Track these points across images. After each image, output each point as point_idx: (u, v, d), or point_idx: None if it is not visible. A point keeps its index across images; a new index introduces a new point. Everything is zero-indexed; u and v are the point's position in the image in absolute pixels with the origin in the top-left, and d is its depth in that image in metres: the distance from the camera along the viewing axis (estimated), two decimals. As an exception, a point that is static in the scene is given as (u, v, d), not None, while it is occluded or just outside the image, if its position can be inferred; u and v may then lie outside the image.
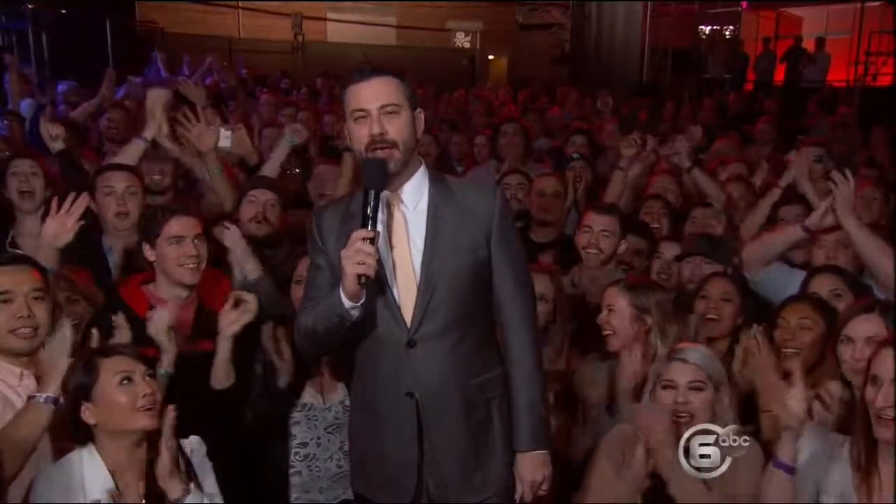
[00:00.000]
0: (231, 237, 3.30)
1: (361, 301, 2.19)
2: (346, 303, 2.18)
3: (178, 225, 2.86)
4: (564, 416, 3.10)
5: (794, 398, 2.36)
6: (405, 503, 2.38)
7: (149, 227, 2.92)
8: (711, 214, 4.27)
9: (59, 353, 2.36)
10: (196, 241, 2.87)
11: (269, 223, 3.70)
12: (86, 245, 3.47)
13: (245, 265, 3.28)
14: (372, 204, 2.16)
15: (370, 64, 2.36)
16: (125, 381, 2.23)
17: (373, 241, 2.13)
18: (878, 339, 2.45)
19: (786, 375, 2.50)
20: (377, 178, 2.21)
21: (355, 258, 2.11)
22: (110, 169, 3.69)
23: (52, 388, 2.32)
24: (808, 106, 10.51)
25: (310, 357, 2.89)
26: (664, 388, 2.57)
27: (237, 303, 2.79)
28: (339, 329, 2.26)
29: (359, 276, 2.12)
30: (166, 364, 2.63)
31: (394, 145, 2.23)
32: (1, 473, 2.20)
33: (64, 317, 2.52)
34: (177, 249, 2.84)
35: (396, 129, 2.23)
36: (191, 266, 2.85)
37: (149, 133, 3.97)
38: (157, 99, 4.02)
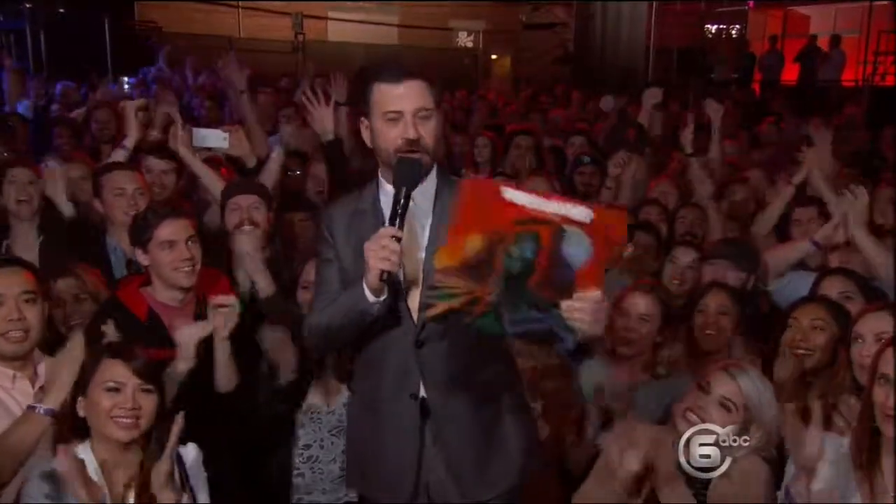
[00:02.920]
0: (247, 243, 3.24)
1: (383, 297, 2.16)
2: (370, 297, 2.15)
3: (170, 229, 2.84)
4: (559, 421, 3.07)
5: (812, 441, 2.30)
6: (402, 503, 2.36)
7: (140, 232, 2.88)
8: (698, 214, 4.29)
9: (67, 365, 2.33)
10: (189, 243, 2.85)
11: (258, 226, 3.59)
12: (90, 244, 3.59)
13: (257, 280, 3.24)
14: (403, 202, 2.13)
15: (400, 63, 2.34)
16: (112, 390, 2.21)
17: (399, 239, 2.10)
18: (887, 336, 2.44)
19: (804, 415, 2.45)
20: (411, 178, 2.17)
21: (381, 253, 2.07)
22: (118, 168, 3.72)
23: (52, 400, 2.30)
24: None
25: (320, 353, 2.91)
26: (699, 388, 2.52)
27: (218, 305, 2.74)
28: (360, 324, 2.23)
29: (381, 272, 2.09)
30: (179, 371, 2.60)
31: (426, 151, 2.23)
32: None
33: (78, 329, 2.52)
34: (170, 254, 2.82)
35: (429, 134, 2.24)
36: (186, 269, 2.83)
37: (129, 142, 4.02)
38: (130, 108, 4.12)
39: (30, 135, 6.14)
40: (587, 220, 1.85)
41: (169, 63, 10.31)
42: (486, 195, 1.87)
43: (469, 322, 1.96)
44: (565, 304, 1.91)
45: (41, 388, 2.46)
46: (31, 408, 2.32)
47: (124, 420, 2.20)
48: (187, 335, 2.64)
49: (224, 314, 2.71)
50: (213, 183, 3.95)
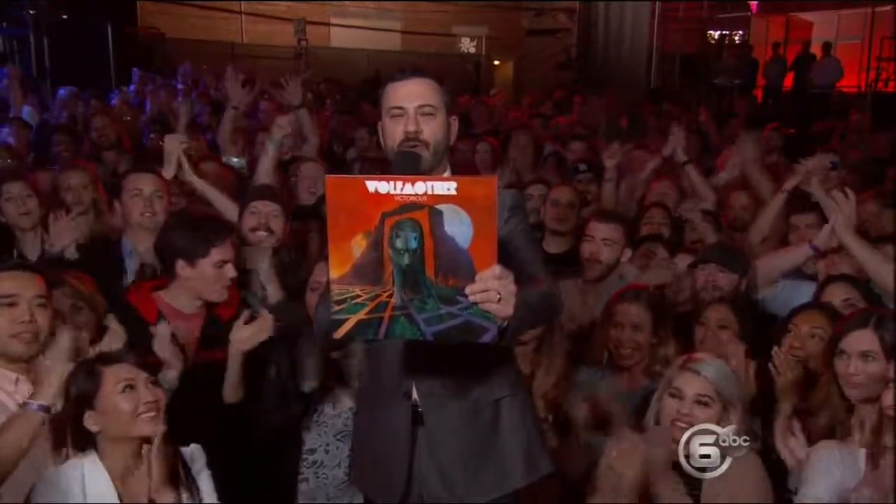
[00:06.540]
0: (260, 255, 3.32)
1: None
2: None
3: (226, 251, 2.93)
4: (558, 430, 3.06)
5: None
6: (394, 503, 2.36)
7: (195, 245, 2.89)
8: (712, 223, 4.24)
9: (57, 360, 2.36)
10: (231, 263, 2.95)
11: (273, 234, 3.65)
12: (105, 243, 3.68)
13: (267, 287, 3.27)
14: None
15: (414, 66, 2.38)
16: (127, 389, 2.25)
17: None
18: (873, 355, 2.49)
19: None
20: (409, 171, 2.14)
21: None
22: (138, 171, 3.79)
23: (46, 396, 2.32)
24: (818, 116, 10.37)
25: (326, 347, 2.91)
26: (671, 395, 2.55)
27: (250, 319, 2.79)
28: None
29: None
30: (170, 379, 2.61)
31: (426, 145, 2.24)
32: None
33: (62, 324, 2.54)
34: (219, 273, 2.89)
35: (431, 129, 2.25)
36: (226, 285, 2.93)
37: (167, 174, 4.04)
38: (174, 144, 4.11)
39: (31, 141, 6.17)
40: (453, 192, 1.78)
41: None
42: (353, 192, 1.79)
43: (385, 332, 1.88)
44: (469, 290, 1.83)
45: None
46: (24, 405, 2.34)
47: (149, 414, 2.25)
48: (158, 340, 2.68)
49: (253, 329, 2.77)
50: (227, 207, 3.99)
